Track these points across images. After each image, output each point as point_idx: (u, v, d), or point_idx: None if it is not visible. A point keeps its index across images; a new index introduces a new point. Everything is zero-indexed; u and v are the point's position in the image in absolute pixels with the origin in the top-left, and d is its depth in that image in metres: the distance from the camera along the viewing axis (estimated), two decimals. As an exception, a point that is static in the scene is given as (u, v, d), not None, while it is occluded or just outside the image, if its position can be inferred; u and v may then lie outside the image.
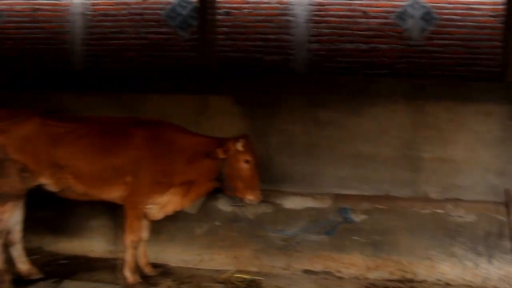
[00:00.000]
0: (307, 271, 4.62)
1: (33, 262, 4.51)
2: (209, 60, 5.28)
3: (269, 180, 5.21)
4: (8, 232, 4.30)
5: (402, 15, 5.93)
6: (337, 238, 4.61)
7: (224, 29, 6.15)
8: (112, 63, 6.65)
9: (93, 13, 6.79)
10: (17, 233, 4.35)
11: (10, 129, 4.05)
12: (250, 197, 4.16)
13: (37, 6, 6.95)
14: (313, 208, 4.65)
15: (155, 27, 6.60)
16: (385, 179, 5.13)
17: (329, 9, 6.06)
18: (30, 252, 4.61)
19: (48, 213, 5.08)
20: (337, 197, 4.68)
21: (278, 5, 6.19)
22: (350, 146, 5.21)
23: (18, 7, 7.01)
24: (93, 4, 6.79)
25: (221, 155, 4.08)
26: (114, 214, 4.86)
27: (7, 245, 4.33)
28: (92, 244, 5.03)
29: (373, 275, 4.56)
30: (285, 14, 6.16)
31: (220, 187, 4.30)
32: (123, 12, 6.69)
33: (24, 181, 4.10)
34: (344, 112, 5.19)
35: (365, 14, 5.96)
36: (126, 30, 6.67)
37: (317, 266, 4.61)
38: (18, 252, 4.38)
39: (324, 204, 4.65)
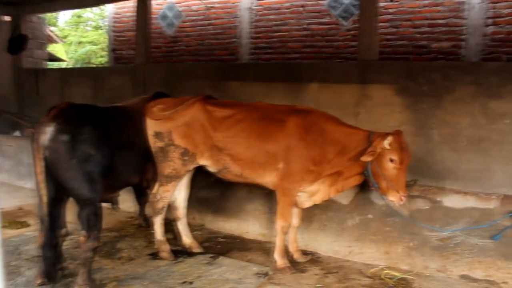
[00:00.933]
0: (465, 277, 4.18)
1: (195, 237, 4.94)
2: (370, 49, 5.09)
3: (429, 175, 4.91)
4: (175, 208, 4.80)
5: None
6: (504, 244, 4.08)
7: (387, 16, 5.88)
8: (275, 55, 6.89)
9: (258, 7, 7.10)
10: (182, 210, 4.82)
11: (175, 117, 4.45)
12: (391, 198, 3.96)
13: (210, 5, 7.54)
14: (476, 209, 4.19)
15: (317, 17, 6.64)
16: None
17: (511, -15, 5.33)
18: (193, 228, 5.06)
19: (211, 194, 5.52)
20: (506, 198, 4.15)
21: (449, -14, 5.67)
22: (528, 142, 4.58)
23: (194, 7, 7.72)
24: (259, -1, 7.12)
25: (368, 159, 3.93)
26: (269, 200, 5.07)
27: (174, 220, 4.85)
28: (248, 226, 5.29)
29: (550, 293, 3.94)
30: (458, -5, 5.61)
31: (368, 183, 4.18)
32: (286, 5, 6.88)
33: (185, 164, 4.49)
34: (522, 103, 4.58)
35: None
36: (289, 22, 6.85)
37: (478, 273, 4.13)
38: (182, 227, 4.85)
39: (489, 204, 4.16)
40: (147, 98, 4.98)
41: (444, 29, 5.67)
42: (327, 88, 5.40)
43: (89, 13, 21.24)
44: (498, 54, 5.35)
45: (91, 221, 3.89)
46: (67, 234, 4.18)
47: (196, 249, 4.81)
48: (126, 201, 5.73)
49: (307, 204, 4.41)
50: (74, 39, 20.10)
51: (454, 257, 4.23)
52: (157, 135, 4.47)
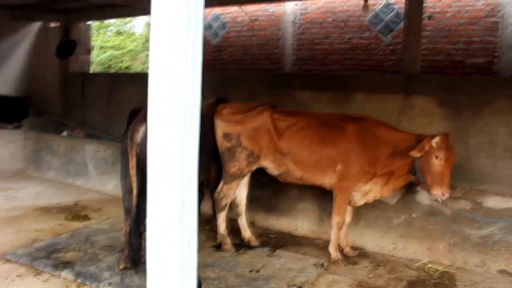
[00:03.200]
0: (502, 272, 4.63)
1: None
2: (414, 63, 5.57)
3: (466, 179, 5.37)
4: (237, 205, 5.28)
5: None
6: (540, 242, 4.54)
7: (426, 33, 6.36)
8: (317, 66, 7.37)
9: (301, 21, 7.59)
10: (243, 207, 5.30)
11: (245, 121, 4.93)
12: (435, 192, 4.38)
13: (254, 17, 8.03)
14: (515, 210, 4.65)
15: (358, 32, 7.13)
16: None
17: (545, 6, 5.82)
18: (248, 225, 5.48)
19: (262, 193, 5.98)
20: (543, 201, 4.61)
21: (484, 6, 6.15)
22: (560, 151, 5.05)
23: (239, 19, 8.22)
24: (302, 13, 7.59)
25: (415, 154, 4.39)
26: (319, 199, 5.54)
27: (236, 215, 5.32)
28: (297, 223, 5.75)
29: None
30: (492, 16, 6.10)
31: (413, 179, 4.64)
32: (329, 19, 7.36)
33: (249, 165, 4.96)
34: (556, 115, 5.05)
35: None
36: (331, 36, 7.33)
37: (515, 268, 4.60)
38: (242, 222, 5.32)
39: (527, 206, 4.62)
40: (210, 103, 5.45)
41: (478, 46, 6.18)
42: (371, 99, 5.88)
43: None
44: (529, 71, 5.87)
45: (174, 211, 4.36)
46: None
47: (254, 243, 5.26)
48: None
49: (360, 202, 4.89)
50: (97, 43, 20.58)
51: (492, 253, 4.69)
52: (226, 136, 4.94)
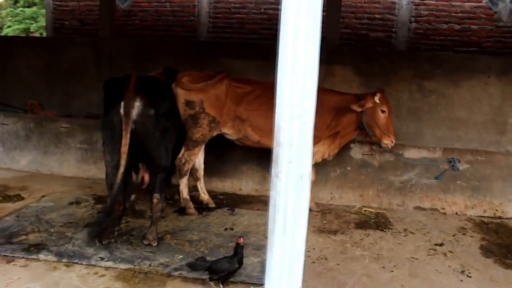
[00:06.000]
0: (417, 208, 5.84)
1: (195, 196, 5.66)
2: (334, 36, 6.35)
3: (379, 136, 6.41)
4: (196, 170, 5.57)
5: (494, -2, 6.90)
6: (444, 182, 5.80)
7: (335, 8, 7.20)
8: (234, 34, 7.71)
9: (218, -12, 7.80)
10: (201, 171, 5.60)
11: (207, 89, 5.16)
12: (386, 142, 5.27)
13: (168, -17, 7.96)
14: (427, 158, 5.82)
15: (274, 3, 7.63)
16: (474, 139, 6.35)
17: (430, -8, 7.09)
18: (191, 189, 5.65)
19: (205, 158, 6.31)
20: (446, 150, 5.84)
21: (382, -12, 7.20)
22: (447, 112, 6.41)
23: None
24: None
25: (357, 108, 5.11)
26: (262, 160, 6.09)
27: (195, 180, 5.59)
28: (241, 184, 6.25)
29: (470, 212, 5.75)
30: (391, -4, 7.20)
31: (362, 134, 5.46)
32: (245, -11, 7.73)
33: (211, 130, 5.26)
34: (445, 83, 6.35)
35: (461, -2, 6.99)
36: (247, 6, 7.71)
37: (426, 204, 5.83)
38: (201, 186, 5.64)
39: (435, 154, 5.82)
40: (159, 72, 5.48)
41: (380, 22, 7.23)
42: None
43: None
44: (418, 45, 7.13)
45: (163, 185, 4.45)
46: (136, 200, 4.68)
47: (212, 204, 5.61)
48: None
49: (309, 162, 5.58)
50: None
51: (410, 194, 5.87)
52: (188, 103, 5.12)
